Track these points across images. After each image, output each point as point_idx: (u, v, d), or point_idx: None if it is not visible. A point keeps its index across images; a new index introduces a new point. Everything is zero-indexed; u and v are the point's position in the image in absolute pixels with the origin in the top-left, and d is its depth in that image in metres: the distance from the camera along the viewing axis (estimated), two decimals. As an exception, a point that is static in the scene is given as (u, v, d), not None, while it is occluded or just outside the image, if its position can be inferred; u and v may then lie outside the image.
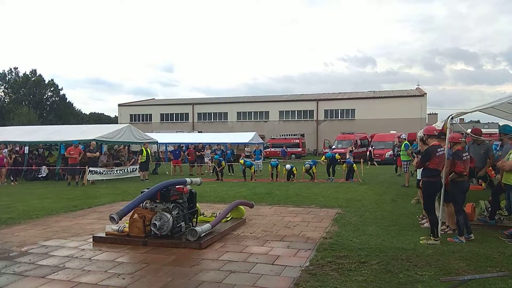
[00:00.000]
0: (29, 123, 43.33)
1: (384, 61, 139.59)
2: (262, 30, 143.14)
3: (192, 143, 25.04)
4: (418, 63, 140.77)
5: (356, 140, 31.17)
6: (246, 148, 27.19)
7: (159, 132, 33.75)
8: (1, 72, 67.03)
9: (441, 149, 6.13)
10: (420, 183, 6.97)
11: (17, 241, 6.36)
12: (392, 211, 8.85)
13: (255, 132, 30.86)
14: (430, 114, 45.88)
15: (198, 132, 38.96)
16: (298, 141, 36.23)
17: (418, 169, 7.72)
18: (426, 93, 42.97)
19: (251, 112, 48.29)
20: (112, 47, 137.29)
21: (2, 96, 66.74)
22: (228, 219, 7.47)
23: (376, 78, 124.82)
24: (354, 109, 44.57)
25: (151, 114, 52.49)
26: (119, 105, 55.14)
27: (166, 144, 28.45)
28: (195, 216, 6.78)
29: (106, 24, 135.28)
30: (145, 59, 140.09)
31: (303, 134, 39.11)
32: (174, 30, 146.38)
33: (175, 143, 28.02)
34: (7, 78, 66.97)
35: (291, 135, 37.40)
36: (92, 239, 6.32)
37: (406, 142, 14.38)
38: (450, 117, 6.49)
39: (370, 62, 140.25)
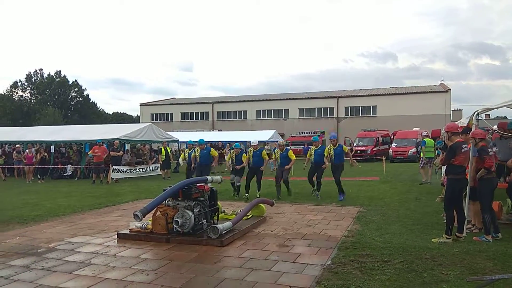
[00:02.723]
0: (55, 123, 44.53)
1: (405, 56, 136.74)
2: (280, 27, 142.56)
3: (212, 142, 25.27)
4: (441, 58, 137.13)
5: (378, 138, 30.70)
6: (266, 146, 27.16)
7: (180, 131, 34.10)
8: (27, 73, 69.16)
9: (466, 145, 5.98)
10: (444, 180, 6.78)
11: (45, 237, 6.56)
12: (416, 209, 8.69)
13: (274, 130, 30.79)
14: (454, 110, 44.69)
15: (218, 130, 39.17)
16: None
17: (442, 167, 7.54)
18: (450, 89, 41.88)
19: (271, 110, 48.16)
20: (133, 48, 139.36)
21: (28, 97, 68.80)
22: (249, 217, 7.49)
23: (397, 74, 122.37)
24: (376, 105, 43.84)
25: (172, 113, 53.07)
26: (141, 104, 56.04)
27: (187, 143, 28.76)
28: (216, 214, 6.84)
29: (127, 25, 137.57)
30: (164, 59, 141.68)
31: (323, 131, 38.80)
32: (193, 29, 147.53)
33: (196, 142, 28.25)
34: (33, 80, 68.97)
35: (311, 133, 37.16)
36: (116, 236, 6.47)
37: (424, 139, 14.12)
38: (476, 113, 6.33)
39: (391, 58, 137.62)
